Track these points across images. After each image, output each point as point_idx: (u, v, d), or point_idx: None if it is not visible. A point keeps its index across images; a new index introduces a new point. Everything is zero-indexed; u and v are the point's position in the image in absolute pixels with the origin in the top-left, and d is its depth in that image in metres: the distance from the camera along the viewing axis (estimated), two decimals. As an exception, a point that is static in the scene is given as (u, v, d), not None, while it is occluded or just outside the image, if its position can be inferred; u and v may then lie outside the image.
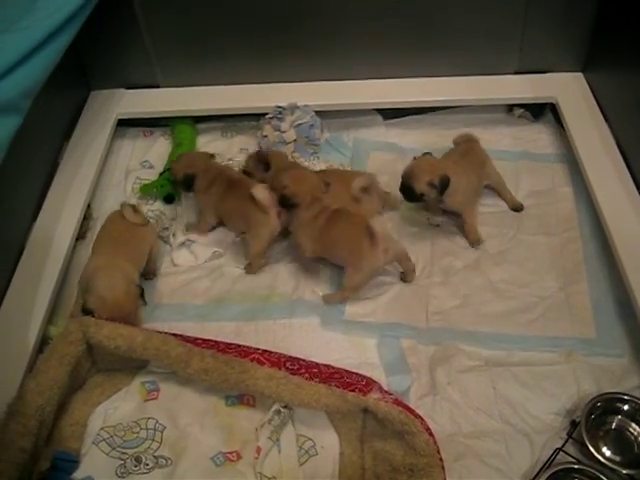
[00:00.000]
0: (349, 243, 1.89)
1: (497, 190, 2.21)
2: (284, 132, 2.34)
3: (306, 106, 2.36)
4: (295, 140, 2.35)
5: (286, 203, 1.94)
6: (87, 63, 2.43)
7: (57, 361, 1.66)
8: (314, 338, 1.87)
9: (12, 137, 1.66)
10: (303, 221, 1.95)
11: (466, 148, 2.16)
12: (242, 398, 1.74)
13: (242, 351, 1.72)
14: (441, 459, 1.52)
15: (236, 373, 1.64)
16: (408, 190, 2.01)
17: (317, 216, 1.94)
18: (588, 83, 2.40)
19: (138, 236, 1.98)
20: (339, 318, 1.91)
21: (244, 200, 1.98)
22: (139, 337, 1.70)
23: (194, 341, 1.73)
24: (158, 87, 2.48)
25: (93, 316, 1.75)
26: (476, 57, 2.41)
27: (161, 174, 2.29)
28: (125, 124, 2.46)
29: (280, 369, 1.66)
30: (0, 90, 1.60)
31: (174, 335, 1.74)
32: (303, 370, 1.68)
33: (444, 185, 1.96)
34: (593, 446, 1.60)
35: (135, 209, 2.01)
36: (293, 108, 2.36)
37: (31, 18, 1.78)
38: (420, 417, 1.57)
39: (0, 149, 1.61)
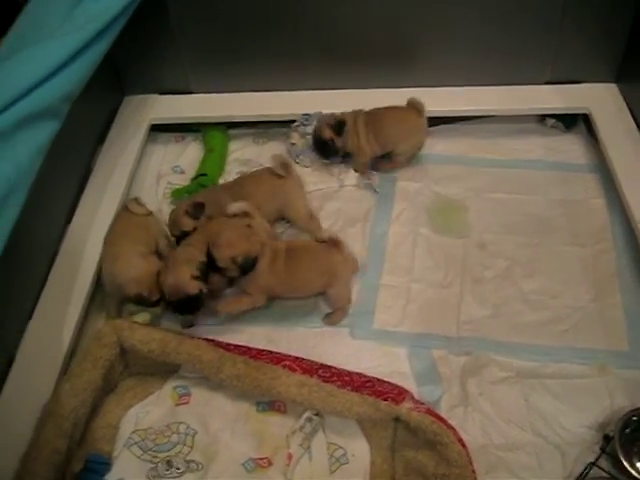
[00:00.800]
0: (322, 269, 1.86)
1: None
2: (309, 137, 2.35)
3: (332, 113, 2.36)
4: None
5: (247, 268, 1.79)
6: (121, 68, 2.45)
7: (91, 364, 1.68)
8: (345, 346, 1.87)
9: (51, 141, 1.68)
10: (261, 273, 1.82)
11: None
12: (273, 404, 1.74)
13: (274, 357, 1.73)
14: (474, 471, 1.52)
15: (268, 379, 1.65)
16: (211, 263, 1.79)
17: (274, 260, 1.84)
18: (622, 94, 2.37)
19: (143, 225, 2.03)
20: (369, 327, 1.91)
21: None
22: (172, 341, 1.71)
23: (226, 346, 1.74)
24: (191, 93, 2.50)
25: (142, 300, 1.80)
26: (509, 67, 2.39)
27: (193, 179, 2.31)
28: (157, 129, 2.48)
29: (312, 376, 1.67)
30: (41, 95, 1.63)
31: (207, 340, 1.76)
32: (335, 378, 1.68)
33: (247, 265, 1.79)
34: (626, 460, 1.58)
35: (138, 201, 2.08)
36: (319, 115, 2.36)
37: (71, 25, 1.80)
38: (453, 428, 1.57)
39: (39, 153, 1.64)
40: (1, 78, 1.57)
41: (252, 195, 2.02)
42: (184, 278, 1.76)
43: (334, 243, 1.84)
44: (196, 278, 1.77)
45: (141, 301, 1.83)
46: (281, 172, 2.08)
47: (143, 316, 1.89)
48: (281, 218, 2.15)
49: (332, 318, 1.93)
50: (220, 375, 1.67)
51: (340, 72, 2.43)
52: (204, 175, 2.30)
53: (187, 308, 1.82)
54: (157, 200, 2.29)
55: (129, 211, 2.05)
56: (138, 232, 2.00)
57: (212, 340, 1.77)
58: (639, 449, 1.64)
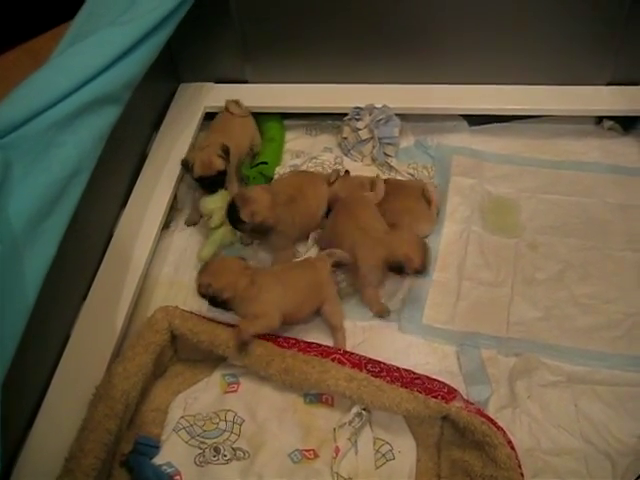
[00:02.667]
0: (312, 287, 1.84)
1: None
2: (360, 130, 2.34)
3: (384, 106, 2.35)
4: (372, 138, 2.35)
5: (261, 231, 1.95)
6: (177, 56, 2.47)
7: (143, 348, 1.70)
8: (393, 342, 1.87)
9: (112, 126, 1.71)
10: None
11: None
12: (321, 397, 1.74)
13: (323, 351, 1.73)
14: (522, 474, 1.50)
15: (317, 373, 1.65)
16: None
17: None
18: (683, 97, 2.32)
19: (238, 125, 2.30)
20: (418, 322, 1.90)
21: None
22: (222, 334, 1.72)
23: (275, 340, 1.75)
24: (246, 82, 2.51)
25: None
26: (569, 66, 2.36)
27: (253, 166, 2.32)
28: (212, 117, 2.48)
29: (361, 371, 1.66)
30: (105, 81, 1.65)
31: None
32: (384, 373, 1.67)
33: None
34: (679, 473, 1.55)
35: (238, 103, 2.32)
36: (371, 109, 2.35)
37: (134, 12, 1.82)
38: (502, 429, 1.56)
39: (102, 137, 1.67)
40: (67, 64, 1.60)
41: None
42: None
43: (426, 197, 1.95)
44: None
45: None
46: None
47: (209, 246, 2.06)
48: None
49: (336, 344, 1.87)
50: (269, 370, 1.68)
51: (396, 67, 2.42)
52: (264, 163, 2.31)
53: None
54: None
55: (229, 112, 2.29)
56: (232, 132, 2.25)
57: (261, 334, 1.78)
58: (691, 461, 1.61)
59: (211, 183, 2.10)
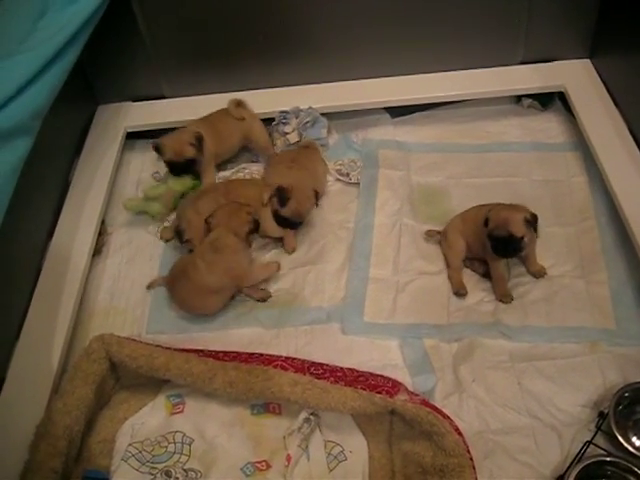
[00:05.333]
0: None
1: None
2: (288, 134, 2.34)
3: (310, 108, 2.35)
4: (300, 141, 2.35)
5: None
6: (93, 77, 2.43)
7: (82, 380, 1.67)
8: (336, 342, 1.87)
9: (24, 159, 1.67)
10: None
11: None
12: (268, 406, 1.73)
13: (265, 359, 1.73)
14: (471, 458, 1.52)
15: (260, 381, 1.65)
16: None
17: None
18: (596, 69, 2.37)
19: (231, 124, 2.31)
20: (359, 321, 1.91)
21: None
22: (161, 357, 1.70)
23: (216, 355, 1.74)
24: (164, 98, 2.48)
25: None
26: (481, 49, 2.39)
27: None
28: (134, 136, 2.46)
29: (305, 374, 1.67)
30: (9, 113, 1.61)
31: (195, 351, 1.75)
32: (328, 374, 1.68)
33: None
34: (622, 436, 1.59)
35: (240, 104, 2.32)
36: (297, 111, 2.35)
37: (35, 39, 1.79)
38: (448, 417, 1.57)
39: (13, 172, 1.62)
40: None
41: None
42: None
43: None
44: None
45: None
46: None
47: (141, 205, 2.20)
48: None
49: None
50: (213, 385, 1.66)
51: (314, 66, 2.42)
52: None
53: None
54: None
55: (227, 111, 2.30)
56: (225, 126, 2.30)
57: (201, 350, 1.76)
58: (634, 424, 1.66)
59: (179, 168, 2.18)
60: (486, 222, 1.86)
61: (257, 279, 2.00)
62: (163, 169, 2.35)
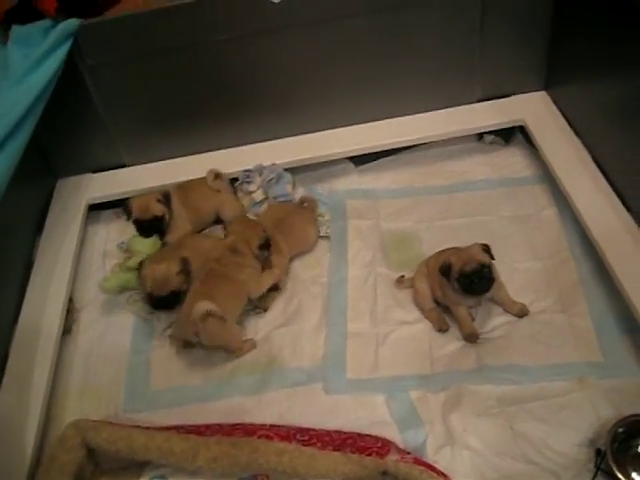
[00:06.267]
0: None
1: None
2: (253, 193, 2.31)
3: (273, 164, 2.33)
4: (266, 198, 2.32)
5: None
6: (50, 151, 2.39)
7: (58, 472, 1.60)
8: (320, 404, 1.81)
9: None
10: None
11: None
12: (256, 478, 1.66)
13: (249, 430, 1.67)
14: (470, 514, 1.47)
15: (246, 454, 1.59)
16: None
17: None
18: (553, 100, 2.39)
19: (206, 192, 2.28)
20: (342, 379, 1.86)
21: None
22: (140, 438, 1.63)
23: (197, 430, 1.67)
24: (124, 166, 2.45)
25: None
26: (439, 90, 2.40)
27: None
28: (97, 208, 2.42)
29: (291, 442, 1.61)
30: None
31: (175, 428, 1.68)
32: (315, 440, 1.62)
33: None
34: (622, 473, 1.55)
35: (218, 175, 2.28)
36: (260, 169, 2.34)
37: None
38: (443, 474, 1.53)
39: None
40: None
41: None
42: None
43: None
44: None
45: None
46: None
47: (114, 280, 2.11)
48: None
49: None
50: (196, 463, 1.60)
51: (274, 122, 2.40)
52: None
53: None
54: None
55: (202, 181, 2.27)
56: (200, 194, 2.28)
57: (181, 427, 1.70)
58: (632, 459, 1.61)
59: (146, 227, 2.15)
60: (448, 268, 1.84)
61: (264, 288, 2.04)
62: (129, 238, 2.31)
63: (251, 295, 2.03)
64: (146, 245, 2.15)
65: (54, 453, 1.63)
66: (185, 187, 2.29)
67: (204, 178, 2.28)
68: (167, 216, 2.17)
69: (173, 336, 2.03)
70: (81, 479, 1.66)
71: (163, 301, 1.98)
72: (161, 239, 2.20)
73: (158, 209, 2.14)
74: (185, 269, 1.99)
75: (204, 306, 1.83)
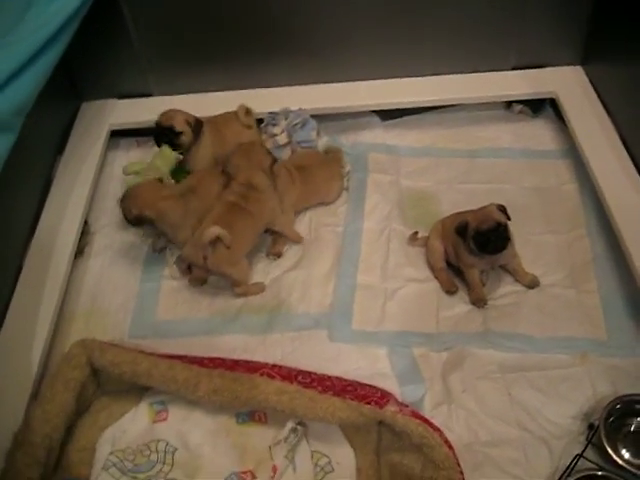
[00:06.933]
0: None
1: None
2: (277, 136, 2.30)
3: (300, 109, 2.31)
4: (289, 143, 2.31)
5: None
6: (77, 73, 2.37)
7: (62, 386, 1.62)
8: (323, 350, 1.83)
9: (6, 156, 1.61)
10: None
11: None
12: (253, 415, 1.70)
13: (251, 367, 1.69)
14: (461, 472, 1.50)
15: (246, 390, 1.61)
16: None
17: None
18: (588, 76, 2.36)
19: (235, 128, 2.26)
20: (347, 329, 1.87)
21: None
22: (144, 363, 1.66)
23: (201, 361, 1.69)
24: (151, 96, 2.43)
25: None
26: (473, 54, 2.37)
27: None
28: (118, 134, 2.41)
29: (292, 383, 1.63)
30: (-9, 110, 1.56)
31: (179, 357, 1.70)
32: (315, 383, 1.64)
33: None
34: (612, 449, 1.57)
35: (248, 112, 2.27)
36: (286, 113, 2.32)
37: (20, 32, 1.73)
38: (439, 429, 1.54)
39: (-5, 169, 1.57)
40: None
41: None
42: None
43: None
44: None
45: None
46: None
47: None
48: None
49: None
50: (198, 393, 1.62)
51: (306, 67, 2.38)
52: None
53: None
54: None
55: (233, 116, 2.26)
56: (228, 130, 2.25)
57: (185, 356, 1.72)
58: (624, 437, 1.64)
59: (160, 135, 2.15)
60: (465, 227, 1.84)
61: (288, 223, 2.09)
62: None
63: (274, 225, 2.05)
64: (166, 161, 2.14)
65: (59, 369, 1.65)
66: (218, 122, 2.27)
67: (233, 113, 2.26)
68: (186, 138, 2.15)
69: (181, 258, 2.03)
70: (83, 397, 1.69)
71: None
72: (182, 155, 2.19)
73: (180, 124, 2.13)
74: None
75: (215, 231, 1.84)
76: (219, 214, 1.93)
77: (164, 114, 2.14)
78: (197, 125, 2.16)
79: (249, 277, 2.00)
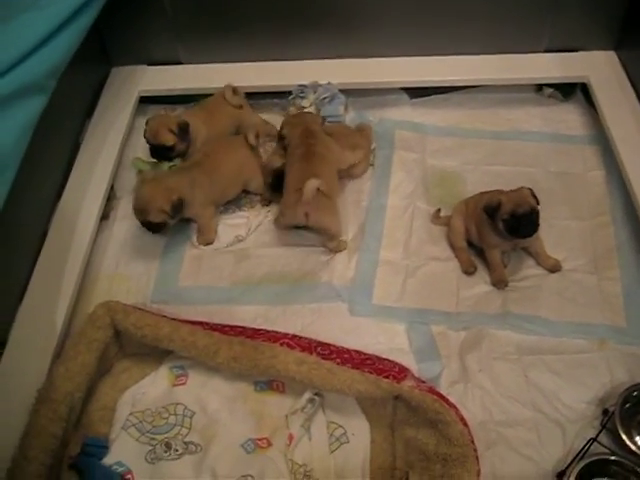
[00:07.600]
0: None
1: None
2: (305, 109, 2.29)
3: (329, 84, 2.31)
4: (317, 116, 2.31)
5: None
6: (108, 39, 2.37)
7: (85, 346, 1.65)
8: (343, 323, 1.84)
9: (38, 117, 1.63)
10: None
11: None
12: (271, 384, 1.72)
13: (271, 336, 1.71)
14: (475, 449, 1.51)
15: (266, 358, 1.63)
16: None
17: None
18: (621, 62, 2.33)
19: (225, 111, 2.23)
20: (368, 303, 1.88)
21: None
22: (166, 327, 1.68)
23: (222, 329, 1.72)
24: (180, 64, 2.43)
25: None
26: (505, 35, 2.34)
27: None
28: (147, 101, 2.42)
29: (311, 354, 1.65)
30: (25, 70, 1.57)
31: (201, 324, 1.73)
32: (334, 355, 1.66)
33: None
34: (626, 435, 1.58)
35: (235, 91, 2.23)
36: (315, 86, 2.31)
37: (53, -5, 1.74)
38: (454, 406, 1.56)
39: (27, 130, 1.59)
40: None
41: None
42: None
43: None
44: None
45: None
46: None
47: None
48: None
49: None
50: (217, 359, 1.64)
51: (335, 41, 2.37)
52: None
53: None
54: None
55: (223, 97, 2.22)
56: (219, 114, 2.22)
57: (206, 323, 1.74)
58: (638, 424, 1.64)
59: (156, 153, 2.11)
60: (496, 207, 1.83)
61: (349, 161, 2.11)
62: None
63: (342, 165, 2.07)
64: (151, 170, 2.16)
65: (83, 329, 1.68)
66: (208, 108, 2.24)
67: (221, 95, 2.24)
68: (179, 146, 2.09)
69: (277, 225, 2.04)
70: (105, 358, 1.72)
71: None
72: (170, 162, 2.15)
73: (167, 139, 2.06)
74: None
75: (315, 182, 1.82)
76: (301, 169, 1.91)
77: (149, 130, 2.07)
78: (182, 129, 2.08)
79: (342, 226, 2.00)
